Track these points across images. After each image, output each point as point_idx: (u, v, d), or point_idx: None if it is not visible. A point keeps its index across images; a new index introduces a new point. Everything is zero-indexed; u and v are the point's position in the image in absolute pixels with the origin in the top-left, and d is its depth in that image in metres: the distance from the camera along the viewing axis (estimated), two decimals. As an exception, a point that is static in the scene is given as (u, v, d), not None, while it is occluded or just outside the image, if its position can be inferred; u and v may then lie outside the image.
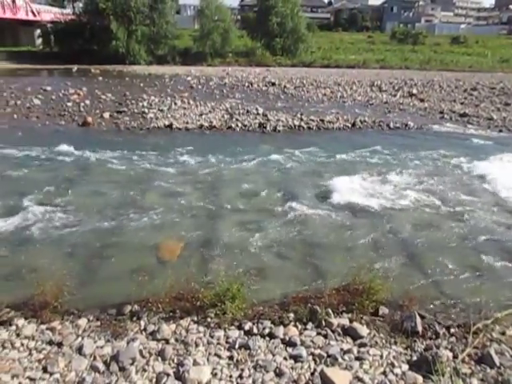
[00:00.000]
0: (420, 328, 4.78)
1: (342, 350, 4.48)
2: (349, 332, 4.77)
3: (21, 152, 12.38)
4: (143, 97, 21.83)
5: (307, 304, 5.21)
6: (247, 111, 18.66)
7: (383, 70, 44.24)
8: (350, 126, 16.97)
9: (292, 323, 4.92)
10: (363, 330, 4.77)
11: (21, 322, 4.85)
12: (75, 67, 38.86)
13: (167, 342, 4.57)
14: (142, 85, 28.07)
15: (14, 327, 4.75)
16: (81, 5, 48.92)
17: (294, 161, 12.12)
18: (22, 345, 4.48)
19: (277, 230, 7.68)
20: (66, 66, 39.99)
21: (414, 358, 4.38)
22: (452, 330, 4.88)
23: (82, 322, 4.90)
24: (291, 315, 5.05)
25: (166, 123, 16.24)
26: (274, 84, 29.39)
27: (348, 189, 9.70)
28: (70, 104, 19.76)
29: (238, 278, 5.35)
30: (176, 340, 4.60)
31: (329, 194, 9.48)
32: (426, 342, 4.66)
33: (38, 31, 52.98)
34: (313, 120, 17.21)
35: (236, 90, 26.52)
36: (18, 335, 4.63)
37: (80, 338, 4.59)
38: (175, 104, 19.92)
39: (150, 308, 5.16)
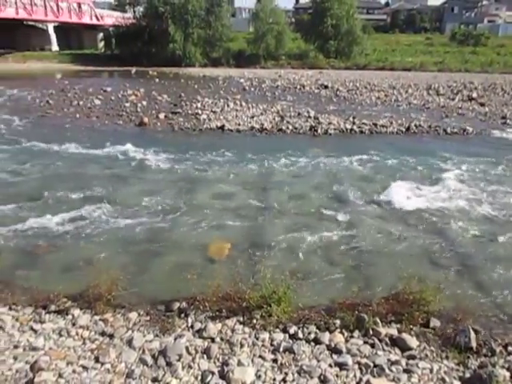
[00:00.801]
0: (474, 344, 4.56)
1: (389, 360, 4.36)
2: (397, 343, 4.63)
3: (81, 150, 13.04)
4: (197, 98, 22.32)
5: (354, 311, 5.11)
6: (298, 114, 18.61)
7: (441, 73, 42.66)
8: (404, 130, 16.47)
9: (338, 330, 4.84)
10: (412, 342, 4.61)
11: (76, 312, 5.10)
12: (134, 69, 40.40)
13: (213, 340, 4.63)
14: (196, 86, 28.73)
15: (70, 316, 5.01)
16: (141, 9, 50.90)
17: (345, 165, 11.94)
18: (77, 334, 4.71)
19: (325, 234, 7.59)
20: (126, 67, 41.71)
21: (467, 375, 4.18)
22: (510, 348, 4.61)
23: (133, 315, 5.08)
24: (337, 322, 4.97)
25: (219, 125, 16.50)
26: (326, 87, 29.13)
27: (401, 195, 9.42)
28: (127, 104, 20.58)
29: (284, 281, 5.33)
30: (221, 339, 4.66)
31: (380, 200, 9.27)
32: (480, 359, 4.44)
33: (101, 35, 55.67)
34: (365, 124, 16.87)
35: (288, 93, 26.53)
36: (73, 324, 4.87)
37: (130, 331, 4.76)
38: (228, 106, 20.21)
39: (197, 306, 5.27)
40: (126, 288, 5.64)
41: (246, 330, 4.82)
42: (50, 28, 52.56)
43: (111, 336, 4.67)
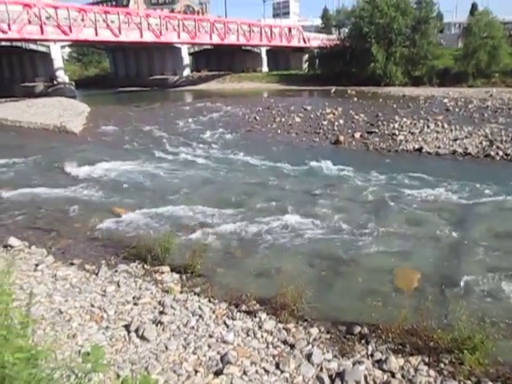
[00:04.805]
0: None
1: None
2: None
3: (279, 164, 13.97)
4: (395, 118, 21.63)
5: None
6: (512, 139, 16.36)
7: None
8: None
9: (549, 400, 4.05)
10: None
11: (263, 316, 5.45)
12: (333, 88, 41.49)
13: (393, 375, 4.38)
14: (394, 106, 27.91)
15: (257, 319, 5.38)
16: (346, 30, 52.23)
17: None
18: (262, 337, 5.02)
19: (538, 282, 6.45)
20: (326, 87, 43.15)
21: None
22: None
23: (314, 330, 5.17)
24: (549, 390, 4.17)
25: (416, 146, 15.70)
26: (552, 108, 24.95)
27: None
28: (325, 123, 21.23)
29: (483, 328, 4.71)
30: (403, 376, 4.37)
31: None
32: None
33: (306, 56, 59.02)
34: None
35: (500, 114, 23.56)
36: (259, 327, 5.21)
37: (310, 346, 4.85)
38: (428, 127, 19.03)
39: (379, 334, 5.07)
40: (309, 301, 5.77)
41: (432, 373, 4.42)
42: (263, 51, 58.08)
43: (292, 346, 4.83)
